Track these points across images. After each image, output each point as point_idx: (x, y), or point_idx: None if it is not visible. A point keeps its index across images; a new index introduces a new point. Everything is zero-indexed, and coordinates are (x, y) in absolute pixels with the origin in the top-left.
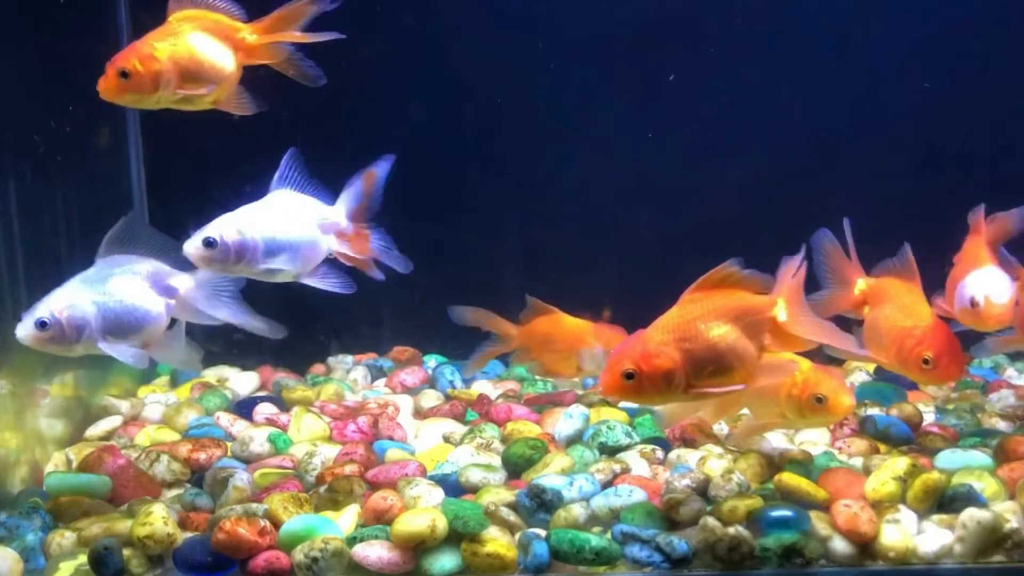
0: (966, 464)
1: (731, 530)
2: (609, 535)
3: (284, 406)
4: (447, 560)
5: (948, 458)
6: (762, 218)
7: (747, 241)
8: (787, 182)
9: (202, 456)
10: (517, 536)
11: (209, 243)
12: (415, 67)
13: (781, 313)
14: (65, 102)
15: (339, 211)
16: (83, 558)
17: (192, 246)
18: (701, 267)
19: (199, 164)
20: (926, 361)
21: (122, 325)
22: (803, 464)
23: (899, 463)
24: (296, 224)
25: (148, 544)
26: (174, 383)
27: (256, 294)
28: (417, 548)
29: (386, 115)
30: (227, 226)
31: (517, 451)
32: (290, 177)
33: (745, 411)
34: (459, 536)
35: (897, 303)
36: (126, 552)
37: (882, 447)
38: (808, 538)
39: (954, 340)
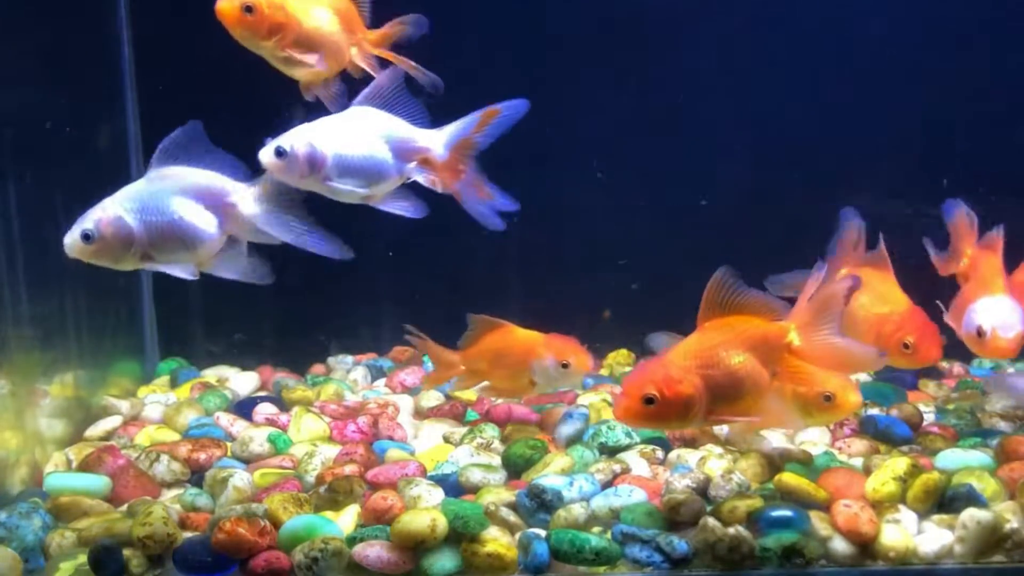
0: (966, 464)
1: (731, 530)
2: (609, 535)
3: (284, 406)
4: (447, 560)
5: (948, 458)
6: (762, 220)
7: (747, 243)
8: (788, 182)
9: (202, 456)
10: (517, 536)
11: (279, 153)
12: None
13: (796, 339)
14: (66, 102)
15: (435, 138)
16: (83, 558)
17: (265, 154)
18: (701, 269)
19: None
20: (906, 345)
21: (169, 241)
22: (803, 464)
23: (899, 463)
24: (371, 144)
25: (148, 544)
26: (174, 383)
27: (257, 293)
28: (417, 548)
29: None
30: (300, 138)
31: (517, 451)
32: (382, 95)
33: None
34: (459, 536)
35: (873, 292)
36: (126, 552)
37: (882, 447)
38: (808, 538)
39: (931, 324)
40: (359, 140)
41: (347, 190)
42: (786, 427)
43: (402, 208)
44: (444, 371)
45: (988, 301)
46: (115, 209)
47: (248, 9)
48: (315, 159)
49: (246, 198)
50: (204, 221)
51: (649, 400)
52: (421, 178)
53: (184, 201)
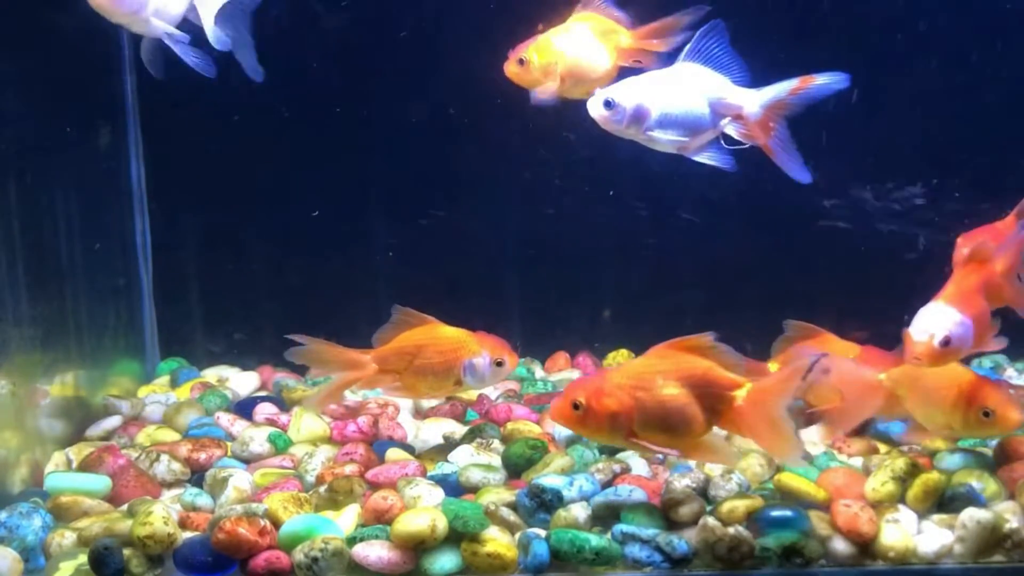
0: (966, 464)
1: (731, 530)
2: (609, 535)
3: (284, 406)
4: (447, 560)
5: (948, 458)
6: (759, 220)
7: (744, 241)
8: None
9: (202, 456)
10: (517, 536)
11: (608, 104)
12: (414, 63)
13: (740, 399)
14: (66, 102)
15: (751, 97)
16: (83, 558)
17: (594, 104)
18: (700, 268)
19: (199, 164)
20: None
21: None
22: (803, 464)
23: (899, 463)
24: (692, 100)
25: (148, 544)
26: (174, 383)
27: (257, 293)
28: (417, 548)
29: (386, 115)
30: (628, 92)
31: (517, 451)
32: (704, 49)
33: None
34: (459, 536)
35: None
36: (126, 552)
37: (882, 447)
38: (808, 538)
39: (887, 354)
40: (681, 97)
41: (666, 141)
42: (723, 463)
43: (713, 159)
44: (353, 374)
45: (929, 306)
46: None
47: (520, 62)
48: (640, 114)
49: None
50: None
51: (576, 406)
52: (734, 132)
53: None
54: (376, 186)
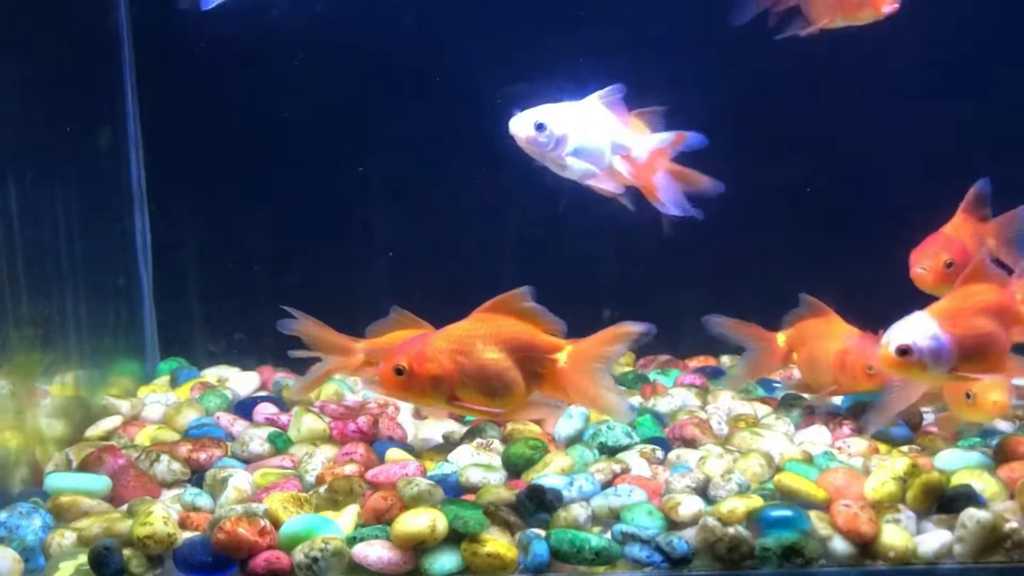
0: (966, 464)
1: (731, 530)
2: (609, 535)
3: (284, 406)
4: (447, 560)
5: (948, 458)
6: (760, 220)
7: (745, 241)
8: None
9: (202, 456)
10: (517, 536)
11: (539, 127)
12: (417, 64)
13: (562, 361)
14: (66, 102)
15: (640, 142)
16: (83, 558)
17: (521, 123)
18: (699, 268)
19: (199, 164)
20: (870, 368)
21: None
22: (803, 464)
23: (899, 463)
24: (601, 136)
25: (148, 544)
26: (174, 383)
27: (257, 293)
28: (417, 548)
29: (385, 115)
30: (556, 118)
31: (517, 451)
32: (608, 99)
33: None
34: (459, 536)
35: (825, 334)
36: (126, 552)
37: (882, 447)
38: (808, 538)
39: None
40: (594, 132)
41: (578, 170)
42: (543, 417)
43: (609, 188)
44: (340, 361)
45: (911, 314)
46: None
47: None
48: (563, 142)
49: None
50: None
51: (399, 371)
52: (623, 170)
53: None
54: (376, 186)
